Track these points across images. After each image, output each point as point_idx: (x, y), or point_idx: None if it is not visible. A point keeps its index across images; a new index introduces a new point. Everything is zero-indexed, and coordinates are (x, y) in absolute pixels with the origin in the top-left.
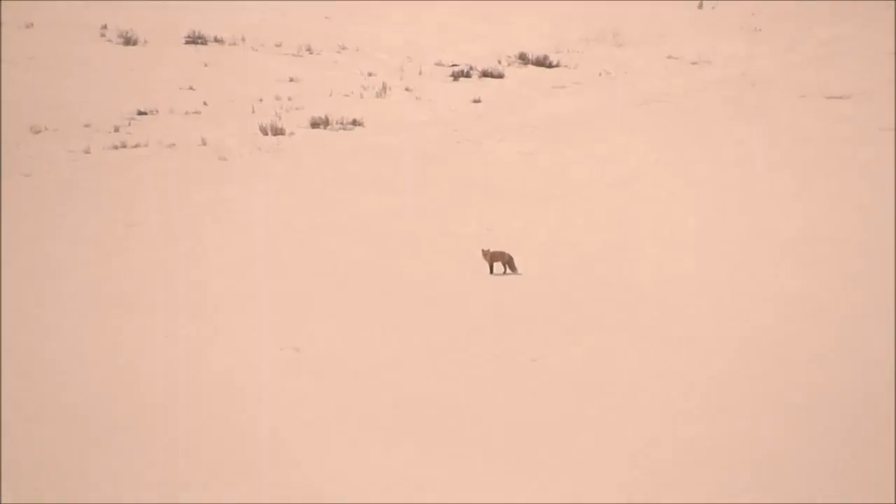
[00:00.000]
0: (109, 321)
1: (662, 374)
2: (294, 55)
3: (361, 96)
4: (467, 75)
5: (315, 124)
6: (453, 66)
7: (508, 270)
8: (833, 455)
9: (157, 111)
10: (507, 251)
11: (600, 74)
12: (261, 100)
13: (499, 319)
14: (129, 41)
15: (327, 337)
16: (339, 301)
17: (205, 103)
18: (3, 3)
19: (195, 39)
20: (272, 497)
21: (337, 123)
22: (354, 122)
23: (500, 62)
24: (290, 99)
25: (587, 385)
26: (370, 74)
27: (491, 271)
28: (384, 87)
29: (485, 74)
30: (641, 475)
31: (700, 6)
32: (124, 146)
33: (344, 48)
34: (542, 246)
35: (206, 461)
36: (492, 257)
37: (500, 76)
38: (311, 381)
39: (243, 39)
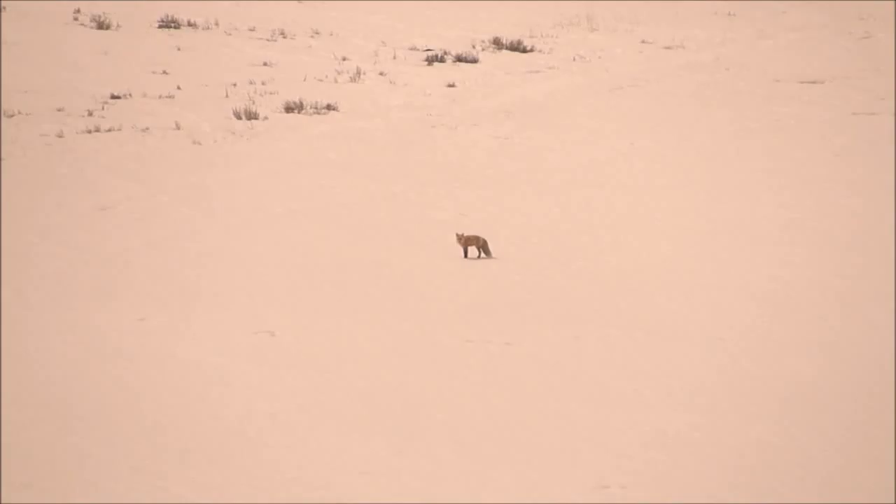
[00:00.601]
0: (81, 306)
1: (636, 362)
2: (268, 39)
3: (335, 81)
4: (441, 60)
5: (289, 109)
6: (427, 50)
7: (483, 255)
8: (808, 445)
9: (130, 95)
10: (481, 235)
11: (574, 59)
12: (234, 84)
13: (473, 305)
14: (102, 25)
15: (301, 323)
16: (313, 287)
17: (178, 87)
18: None
19: (168, 23)
20: (242, 485)
21: (311, 108)
22: (328, 107)
23: (474, 47)
24: (263, 83)
25: (560, 371)
26: (344, 59)
27: (465, 255)
28: (358, 72)
29: (459, 59)
30: (613, 463)
31: None
32: (98, 130)
33: (318, 33)
34: (516, 231)
35: (176, 448)
36: (465, 241)
37: (475, 61)
38: (284, 368)
39: (217, 23)
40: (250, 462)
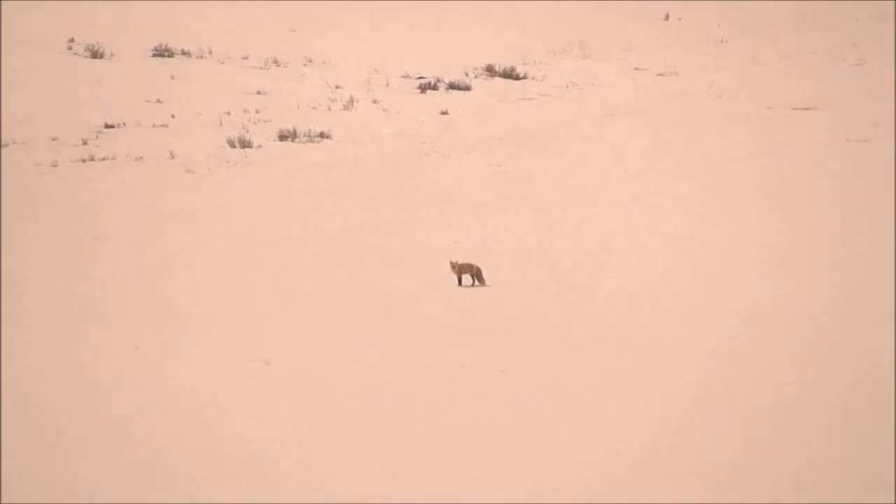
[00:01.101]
0: (76, 333)
1: (630, 386)
2: (261, 68)
3: (329, 109)
4: (434, 87)
5: (283, 137)
6: (420, 78)
7: (477, 282)
8: (796, 461)
9: (124, 124)
10: (475, 263)
11: (567, 86)
12: (228, 112)
13: (466, 330)
14: (95, 54)
15: (295, 349)
16: (307, 314)
17: (172, 116)
18: None
19: (162, 52)
20: None
21: (304, 136)
22: (322, 135)
23: (467, 74)
24: (257, 111)
25: (552, 396)
26: (337, 87)
27: (459, 283)
28: (351, 100)
29: (452, 87)
30: (606, 486)
31: (666, 18)
32: (92, 159)
33: (311, 61)
34: (508, 258)
35: (170, 473)
36: (459, 269)
37: (468, 88)
38: (279, 393)
39: (210, 52)
40: (246, 487)
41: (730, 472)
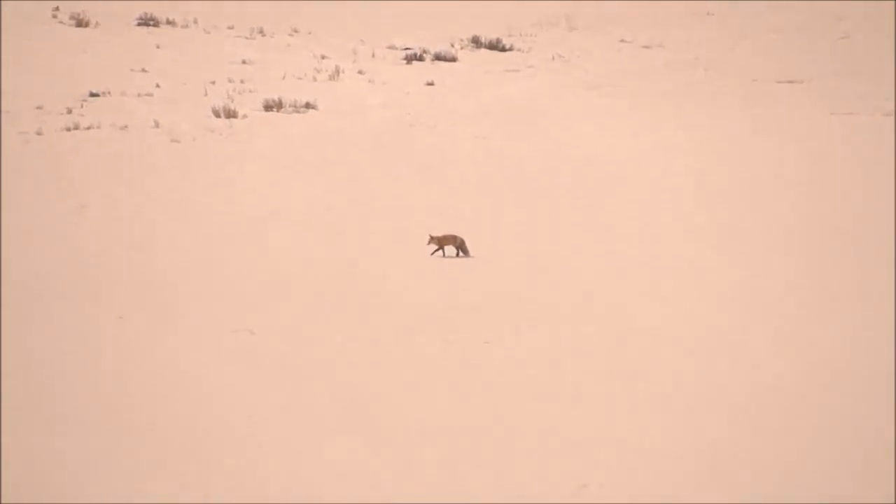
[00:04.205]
0: (60, 304)
1: (611, 363)
2: (247, 38)
3: (314, 79)
4: (420, 59)
5: (268, 107)
6: (406, 49)
7: (461, 254)
8: (790, 446)
9: (109, 93)
10: (458, 234)
11: (553, 58)
12: (213, 82)
13: (450, 306)
14: (80, 23)
15: (280, 323)
16: (291, 287)
17: (157, 85)
18: None
19: (147, 21)
20: (220, 485)
21: (290, 106)
22: (307, 105)
23: (452, 46)
24: (242, 81)
25: (537, 372)
26: (323, 57)
27: (444, 255)
28: (337, 71)
29: (438, 58)
30: (591, 463)
31: None
32: (76, 128)
33: (296, 31)
34: (493, 231)
35: (156, 448)
36: (441, 241)
37: (454, 60)
38: (263, 367)
39: (196, 21)
40: (229, 462)
41: (714, 452)
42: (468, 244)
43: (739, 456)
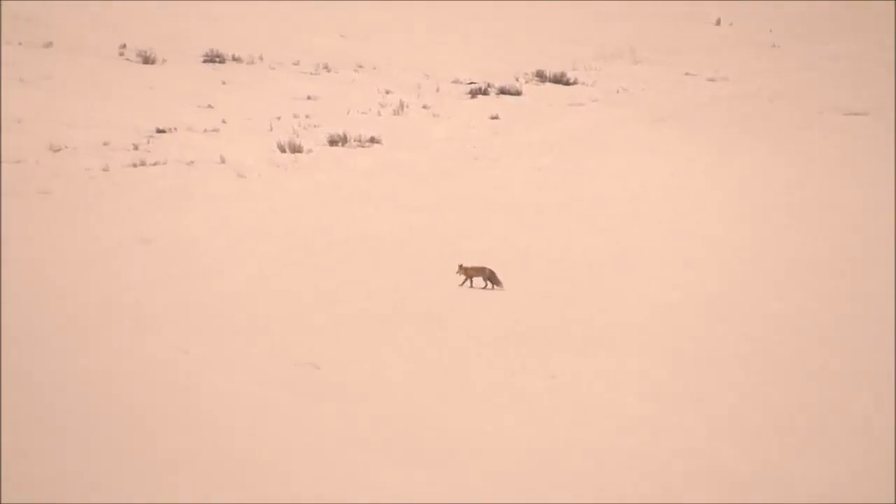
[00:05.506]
0: (123, 337)
1: (673, 392)
2: (311, 73)
3: (379, 114)
4: (485, 92)
5: (333, 142)
6: (471, 83)
7: (491, 285)
8: (837, 474)
9: (175, 129)
10: (487, 266)
11: (617, 91)
12: (279, 118)
13: (510, 335)
14: (147, 60)
15: (341, 354)
16: (353, 318)
17: (223, 121)
18: (22, 22)
19: (213, 58)
20: None
21: (354, 141)
22: (372, 140)
23: (517, 79)
24: (307, 116)
25: (597, 402)
26: (387, 92)
27: (471, 285)
28: (401, 105)
29: (502, 92)
30: (656, 496)
31: (717, 23)
32: (143, 164)
33: (361, 66)
34: (554, 262)
35: (215, 480)
36: (466, 272)
37: (518, 93)
38: (322, 399)
39: (261, 58)
40: (291, 493)
41: (778, 482)
42: (527, 278)
43: (805, 482)
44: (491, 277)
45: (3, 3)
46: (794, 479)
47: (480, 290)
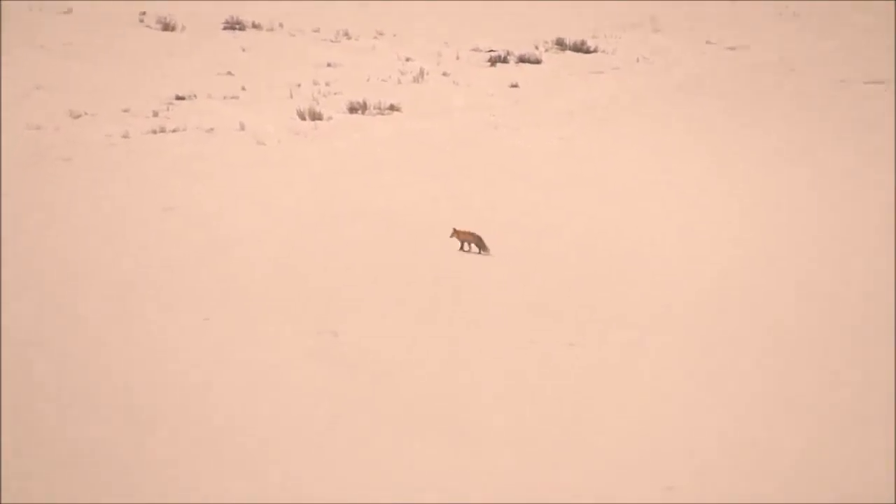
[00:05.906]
0: (146, 305)
1: (695, 366)
2: (332, 41)
3: (399, 81)
4: (504, 61)
5: (353, 109)
6: (490, 51)
7: (478, 250)
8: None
9: (195, 96)
10: (476, 232)
11: (638, 60)
12: (299, 85)
13: (533, 305)
14: (167, 27)
15: (362, 324)
16: (373, 288)
17: (243, 88)
18: None
19: (233, 25)
20: (300, 486)
21: (374, 108)
22: (392, 107)
23: (537, 48)
24: (327, 84)
25: (621, 374)
26: (407, 60)
27: (461, 248)
28: (421, 73)
29: (522, 60)
30: (678, 465)
31: None
32: (163, 131)
33: (381, 34)
34: (576, 233)
35: (237, 448)
36: (458, 236)
37: (538, 62)
38: (344, 369)
39: (281, 25)
40: (311, 460)
41: (798, 454)
42: (548, 248)
43: (827, 460)
44: (478, 243)
45: None
46: (802, 458)
47: (499, 261)
